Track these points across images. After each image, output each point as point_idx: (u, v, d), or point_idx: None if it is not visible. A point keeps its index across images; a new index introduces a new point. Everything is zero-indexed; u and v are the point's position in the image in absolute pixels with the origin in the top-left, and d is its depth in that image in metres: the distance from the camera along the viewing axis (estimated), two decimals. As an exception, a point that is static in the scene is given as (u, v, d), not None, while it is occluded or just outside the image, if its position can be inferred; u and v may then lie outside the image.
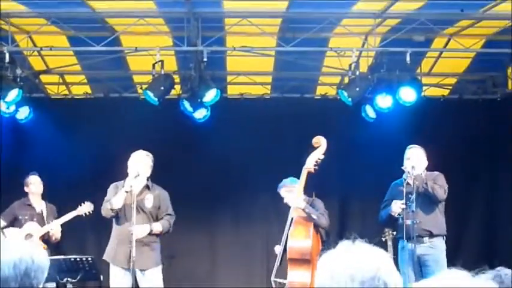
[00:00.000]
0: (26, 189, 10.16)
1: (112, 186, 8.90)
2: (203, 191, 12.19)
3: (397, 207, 8.98)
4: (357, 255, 2.40)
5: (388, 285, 2.34)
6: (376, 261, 2.37)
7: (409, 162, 9.07)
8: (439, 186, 9.08)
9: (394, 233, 10.25)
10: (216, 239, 12.62)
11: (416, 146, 9.25)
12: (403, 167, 9.09)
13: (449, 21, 10.31)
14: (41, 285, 2.96)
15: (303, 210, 8.78)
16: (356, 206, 12.55)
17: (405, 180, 9.08)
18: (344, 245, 2.48)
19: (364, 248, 2.44)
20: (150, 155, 8.85)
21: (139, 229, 8.49)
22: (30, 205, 10.09)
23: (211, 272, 12.46)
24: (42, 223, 10.00)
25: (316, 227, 8.79)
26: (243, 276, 12.33)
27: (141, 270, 8.65)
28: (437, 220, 9.15)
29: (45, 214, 10.11)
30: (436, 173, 9.26)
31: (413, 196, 8.74)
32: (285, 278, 8.76)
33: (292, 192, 8.98)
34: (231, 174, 12.20)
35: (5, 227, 9.96)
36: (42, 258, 2.95)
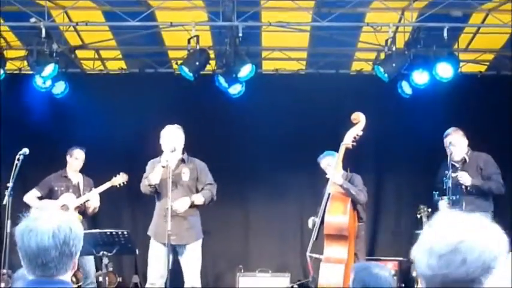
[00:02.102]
0: (67, 158, 10.18)
1: (150, 162, 8.92)
2: (238, 166, 12.22)
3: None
4: (443, 225, 2.33)
5: (467, 261, 2.27)
6: (463, 233, 2.30)
7: (449, 149, 8.85)
8: (495, 182, 8.83)
9: (430, 209, 10.21)
10: (250, 214, 12.65)
11: (451, 130, 9.00)
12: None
13: (488, -4, 10.19)
14: (78, 253, 3.00)
15: (341, 186, 8.75)
16: (392, 181, 12.50)
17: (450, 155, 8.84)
18: (443, 215, 2.40)
19: (458, 217, 2.36)
20: (181, 128, 8.84)
21: (180, 203, 8.51)
22: (66, 177, 10.15)
23: (245, 247, 12.50)
24: (78, 195, 10.06)
25: (354, 203, 8.77)
26: (277, 252, 12.36)
27: (182, 245, 8.68)
28: (479, 202, 8.92)
29: (81, 186, 10.16)
30: (484, 156, 9.00)
31: (450, 172, 8.63)
32: (320, 253, 8.77)
33: (332, 167, 8.96)
34: (265, 149, 12.19)
35: (41, 198, 10.04)
36: (78, 227, 3.02)
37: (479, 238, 2.27)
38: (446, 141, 8.94)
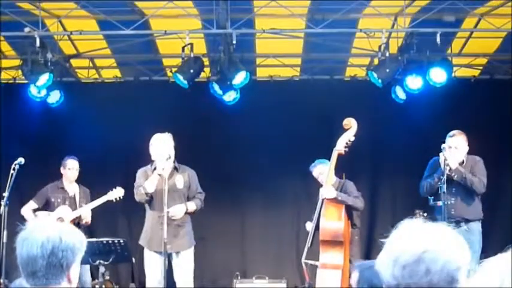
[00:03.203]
0: (61, 170, 10.16)
1: (141, 171, 8.92)
2: (233, 172, 12.23)
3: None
4: (407, 236, 2.34)
5: (431, 271, 2.27)
6: (426, 243, 2.30)
7: (451, 151, 8.85)
8: (478, 179, 8.87)
9: (425, 214, 10.21)
10: (246, 220, 12.65)
11: (457, 133, 9.01)
12: (442, 153, 8.83)
13: (480, 1, 10.21)
14: (72, 266, 3.00)
15: (336, 198, 8.73)
16: (387, 186, 12.52)
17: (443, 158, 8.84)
18: (408, 224, 2.40)
19: (421, 228, 2.36)
20: (170, 134, 8.86)
21: (176, 210, 8.55)
22: (63, 188, 10.11)
23: (242, 254, 12.50)
24: (74, 207, 10.03)
25: (348, 209, 8.78)
26: (274, 258, 12.37)
27: (176, 252, 8.71)
28: (473, 205, 8.98)
29: (77, 198, 10.14)
30: (477, 158, 9.04)
31: (444, 177, 8.64)
32: (316, 260, 8.77)
33: (324, 174, 8.97)
34: (260, 156, 12.20)
35: (38, 209, 10.03)
36: (72, 239, 2.99)
37: (443, 248, 2.28)
38: (450, 142, 8.88)
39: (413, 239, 2.31)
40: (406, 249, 2.28)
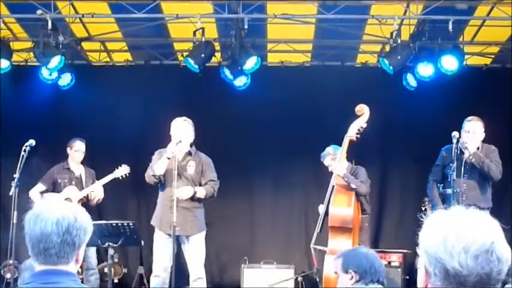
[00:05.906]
0: (68, 151, 10.22)
1: (156, 153, 8.99)
2: (243, 158, 12.25)
3: None
4: (472, 224, 2.33)
5: (501, 260, 2.28)
6: (491, 233, 2.29)
7: (468, 136, 8.85)
8: (496, 165, 8.91)
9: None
10: (255, 206, 12.67)
11: (475, 118, 9.01)
12: (458, 139, 8.77)
13: (493, -11, 10.19)
14: (83, 245, 3.04)
15: (342, 178, 8.79)
16: (396, 174, 12.52)
17: (456, 147, 8.81)
18: (458, 210, 2.40)
19: (479, 216, 2.36)
20: (189, 120, 8.91)
21: (183, 191, 8.60)
22: (69, 169, 10.18)
23: (250, 239, 12.53)
24: (80, 187, 10.11)
25: (357, 195, 8.81)
26: (282, 243, 12.39)
27: (185, 236, 8.76)
28: (485, 192, 9.00)
29: (83, 178, 10.21)
30: (493, 147, 9.06)
31: (454, 165, 8.63)
32: (325, 245, 8.81)
33: (336, 160, 9.00)
34: (270, 141, 12.23)
35: (45, 191, 10.09)
36: (85, 219, 3.06)
37: (501, 239, 2.29)
38: (468, 126, 8.88)
39: (480, 228, 2.29)
40: (477, 238, 2.26)
